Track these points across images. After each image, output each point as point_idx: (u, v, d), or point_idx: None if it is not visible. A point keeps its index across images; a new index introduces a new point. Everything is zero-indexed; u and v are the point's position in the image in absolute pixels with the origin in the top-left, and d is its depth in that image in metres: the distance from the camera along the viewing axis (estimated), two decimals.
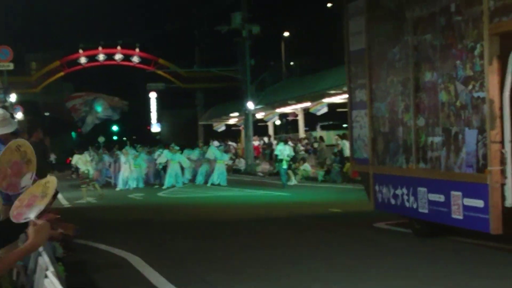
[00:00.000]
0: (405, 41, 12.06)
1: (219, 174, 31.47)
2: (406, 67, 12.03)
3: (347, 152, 31.88)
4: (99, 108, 36.58)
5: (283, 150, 28.30)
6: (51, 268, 6.23)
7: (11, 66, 30.29)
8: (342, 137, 33.53)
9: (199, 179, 32.82)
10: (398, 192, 12.46)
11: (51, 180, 3.32)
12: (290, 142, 31.78)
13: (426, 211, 11.61)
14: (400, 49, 12.25)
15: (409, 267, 9.94)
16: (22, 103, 44.73)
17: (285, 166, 28.01)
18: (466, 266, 9.83)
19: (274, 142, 42.24)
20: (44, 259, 6.53)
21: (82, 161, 26.11)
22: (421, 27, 11.57)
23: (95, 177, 27.61)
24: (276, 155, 29.23)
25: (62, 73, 55.35)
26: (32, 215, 3.11)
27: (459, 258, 10.48)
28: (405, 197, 12.20)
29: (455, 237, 11.98)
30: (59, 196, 25.27)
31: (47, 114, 71.12)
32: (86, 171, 25.86)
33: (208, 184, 31.23)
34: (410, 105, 11.90)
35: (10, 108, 25.42)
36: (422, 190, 11.68)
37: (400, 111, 12.32)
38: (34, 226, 3.04)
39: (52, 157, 44.10)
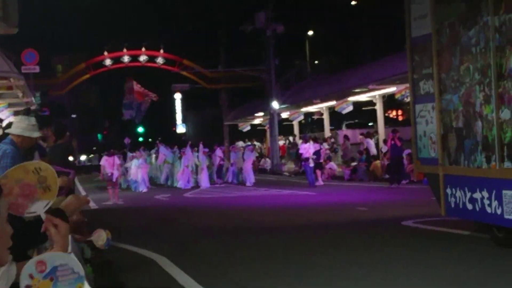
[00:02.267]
0: (484, 23, 10.52)
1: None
2: (486, 52, 10.45)
3: (372, 151, 31.89)
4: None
5: (308, 149, 28.20)
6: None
7: (37, 69, 30.46)
8: (367, 135, 33.46)
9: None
10: (477, 196, 10.88)
11: (44, 168, 3.13)
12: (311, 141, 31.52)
13: None
14: (477, 32, 10.69)
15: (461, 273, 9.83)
16: (48, 105, 45.01)
17: (311, 164, 27.89)
18: None
19: (299, 141, 42.22)
20: (69, 256, 6.54)
21: (108, 164, 26.18)
22: (506, 5, 10.01)
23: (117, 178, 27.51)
24: (301, 154, 29.11)
25: (87, 75, 55.64)
26: (38, 210, 3.02)
27: None
28: (486, 202, 10.61)
29: None
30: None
31: (73, 116, 71.59)
32: (109, 174, 25.92)
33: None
34: (492, 96, 10.31)
35: (38, 111, 25.56)
36: (509, 193, 10.10)
37: (478, 103, 10.67)
38: (57, 230, 2.98)
39: (83, 158, 44.27)
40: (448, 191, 11.80)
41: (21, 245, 2.83)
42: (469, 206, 11.13)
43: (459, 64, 11.22)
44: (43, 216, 3.00)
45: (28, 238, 3.09)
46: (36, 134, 7.34)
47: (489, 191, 10.52)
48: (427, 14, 12.18)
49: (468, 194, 11.15)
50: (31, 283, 2.54)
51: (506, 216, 10.16)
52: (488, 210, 10.55)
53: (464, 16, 11.09)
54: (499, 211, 10.30)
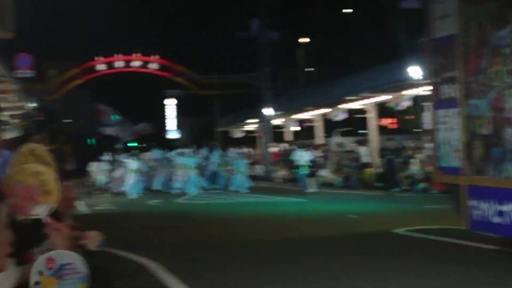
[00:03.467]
0: None
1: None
2: None
3: (364, 159, 31.95)
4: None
5: (303, 156, 28.23)
6: None
7: (31, 74, 30.49)
8: (360, 143, 33.54)
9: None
10: (507, 208, 10.08)
11: (42, 171, 3.18)
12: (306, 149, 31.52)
13: None
14: (509, 32, 9.97)
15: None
16: (42, 110, 44.91)
17: (304, 171, 27.90)
18: None
19: (292, 147, 42.23)
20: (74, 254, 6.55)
21: (97, 169, 26.21)
22: None
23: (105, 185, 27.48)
24: (294, 161, 29.11)
25: (80, 80, 55.58)
26: (41, 212, 3.05)
27: None
28: None
29: None
30: (78, 202, 25.36)
31: (67, 121, 71.38)
32: (96, 180, 25.99)
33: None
34: None
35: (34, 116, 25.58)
36: None
37: (508, 109, 9.92)
38: (59, 233, 3.01)
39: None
40: (472, 203, 10.94)
41: (18, 249, 2.87)
42: (497, 220, 10.33)
43: (488, 66, 10.44)
44: (45, 220, 3.04)
45: (24, 242, 3.12)
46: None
47: None
48: (451, 13, 11.48)
49: (496, 207, 10.32)
50: (40, 280, 2.58)
51: None
52: None
53: (494, 15, 10.35)
54: None
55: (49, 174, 3.17)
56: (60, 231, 3.01)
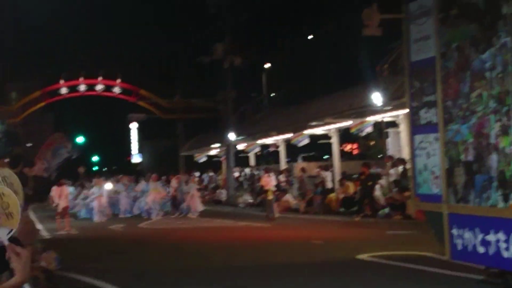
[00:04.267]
0: (501, 44, 9.40)
1: None
2: (504, 77, 9.34)
3: (328, 184, 32.07)
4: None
5: (270, 181, 28.10)
6: None
7: None
8: (324, 168, 33.67)
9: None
10: (490, 238, 9.63)
11: (7, 193, 3.13)
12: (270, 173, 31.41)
13: None
14: (493, 55, 9.52)
15: None
16: (4, 133, 44.36)
17: (271, 197, 27.63)
18: None
19: (256, 173, 42.18)
20: None
21: (56, 194, 25.88)
22: None
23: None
24: (262, 186, 28.84)
25: (43, 103, 55.09)
26: (2, 237, 2.99)
27: None
28: (503, 245, 9.38)
29: None
30: (39, 227, 25.07)
31: (29, 144, 70.64)
32: (55, 204, 25.71)
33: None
34: (511, 126, 9.18)
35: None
36: None
37: (493, 134, 9.48)
38: (18, 258, 2.95)
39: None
40: (454, 231, 10.49)
41: None
42: (481, 250, 9.87)
43: (469, 90, 10.03)
44: (6, 243, 2.97)
45: None
46: None
47: (506, 233, 9.34)
48: (429, 35, 11.05)
49: (480, 236, 9.88)
50: None
51: None
52: (505, 254, 9.33)
53: (476, 37, 9.95)
54: None
55: (12, 196, 3.11)
56: (20, 255, 2.94)
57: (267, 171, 29.02)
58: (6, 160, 12.02)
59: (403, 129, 28.79)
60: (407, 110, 26.83)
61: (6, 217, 3.06)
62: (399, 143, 29.43)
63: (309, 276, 12.40)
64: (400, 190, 24.91)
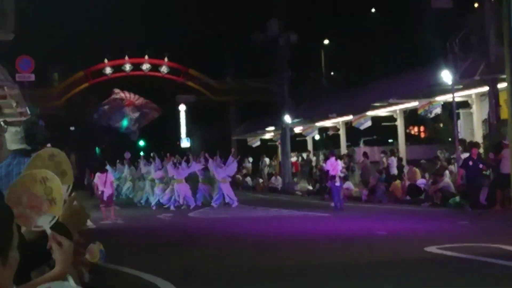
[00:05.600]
0: None
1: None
2: None
3: (393, 170, 31.76)
4: (124, 124, 36.57)
5: (336, 165, 26.93)
6: None
7: (32, 78, 30.49)
8: (389, 153, 33.32)
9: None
10: None
11: (51, 177, 3.11)
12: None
13: None
14: None
15: None
16: (44, 117, 44.98)
17: (338, 183, 27.21)
18: None
19: (313, 158, 42.06)
20: (72, 286, 6.49)
21: (101, 181, 26.16)
22: None
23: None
24: (327, 171, 27.74)
25: (86, 84, 55.75)
26: (44, 224, 2.99)
27: None
28: None
29: None
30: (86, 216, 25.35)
31: (71, 128, 71.54)
32: (100, 192, 25.95)
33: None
34: None
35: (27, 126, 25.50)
36: None
37: None
38: (60, 248, 2.94)
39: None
40: None
41: (24, 268, 2.79)
42: None
43: None
44: (49, 232, 2.97)
45: (30, 260, 3.04)
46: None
47: None
48: None
49: None
50: None
51: None
52: None
53: None
54: None
55: (55, 181, 3.09)
56: (62, 245, 2.93)
57: (333, 154, 27.80)
58: (49, 145, 12.12)
59: (476, 110, 28.33)
60: (480, 89, 26.07)
61: (49, 203, 3.06)
62: (472, 125, 28.99)
63: (375, 272, 12.27)
64: None
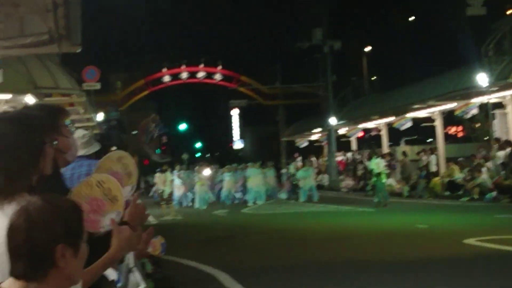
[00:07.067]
0: None
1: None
2: None
3: (432, 167, 31.48)
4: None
5: (380, 163, 26.58)
6: (142, 284, 6.24)
7: (98, 86, 30.84)
8: (429, 151, 33.05)
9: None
10: None
11: (106, 179, 3.14)
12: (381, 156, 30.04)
13: None
14: None
15: None
16: (115, 121, 45.52)
17: (384, 180, 26.50)
18: None
19: (358, 157, 41.86)
20: (135, 276, 6.56)
21: (160, 180, 26.42)
22: None
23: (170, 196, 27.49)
24: (372, 170, 27.40)
25: (146, 92, 56.22)
26: (109, 222, 3.01)
27: None
28: None
29: None
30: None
31: (134, 132, 72.29)
32: (160, 191, 26.21)
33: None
34: None
35: (102, 127, 25.87)
36: None
37: None
38: (119, 234, 2.97)
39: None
40: None
41: (89, 261, 2.81)
42: None
43: None
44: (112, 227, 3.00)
45: (95, 256, 3.07)
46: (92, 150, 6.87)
47: None
48: None
49: None
50: None
51: None
52: None
53: None
54: None
55: (111, 180, 3.13)
56: (121, 232, 2.96)
57: (376, 153, 27.40)
58: (114, 148, 12.29)
59: (510, 111, 27.96)
60: None
61: (111, 201, 3.08)
62: (506, 125, 28.60)
63: (416, 264, 12.17)
64: (508, 173, 24.19)
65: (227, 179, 32.62)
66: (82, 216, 2.33)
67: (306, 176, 32.33)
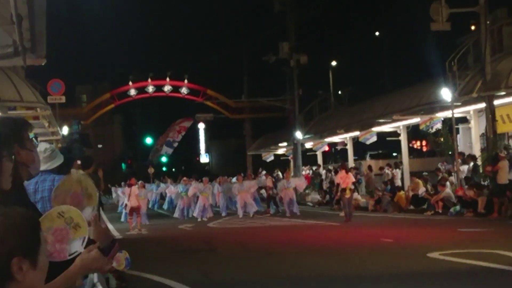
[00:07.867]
0: None
1: None
2: None
3: (397, 182, 31.72)
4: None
5: (346, 178, 26.06)
6: None
7: (63, 99, 30.66)
8: (394, 165, 33.34)
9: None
10: None
11: (66, 210, 3.17)
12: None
13: None
14: None
15: None
16: (79, 134, 45.10)
17: (349, 195, 25.80)
18: None
19: (323, 171, 42.01)
20: None
21: (127, 194, 26.33)
22: None
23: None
24: (337, 184, 27.05)
25: (112, 105, 56.01)
26: (78, 249, 3.03)
27: None
28: None
29: None
30: (110, 227, 25.51)
31: (99, 146, 71.93)
32: (127, 204, 26.12)
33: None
34: None
35: (68, 141, 25.68)
36: None
37: None
38: (86, 250, 3.01)
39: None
40: None
41: (52, 274, 2.82)
42: None
43: None
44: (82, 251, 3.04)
45: (59, 266, 3.07)
46: (57, 163, 6.65)
47: None
48: None
49: None
50: None
51: None
52: None
53: None
54: None
55: (71, 210, 3.17)
56: (90, 253, 3.00)
57: (344, 168, 27.26)
58: (78, 162, 12.23)
59: (474, 125, 28.32)
60: (477, 106, 26.18)
61: (74, 229, 3.11)
62: (470, 140, 28.95)
63: (380, 277, 12.25)
64: (471, 187, 24.47)
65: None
66: (39, 227, 2.32)
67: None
